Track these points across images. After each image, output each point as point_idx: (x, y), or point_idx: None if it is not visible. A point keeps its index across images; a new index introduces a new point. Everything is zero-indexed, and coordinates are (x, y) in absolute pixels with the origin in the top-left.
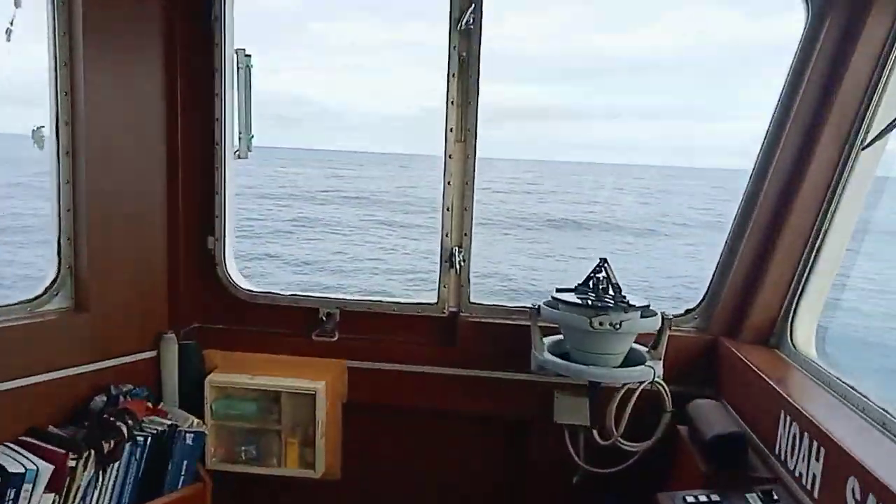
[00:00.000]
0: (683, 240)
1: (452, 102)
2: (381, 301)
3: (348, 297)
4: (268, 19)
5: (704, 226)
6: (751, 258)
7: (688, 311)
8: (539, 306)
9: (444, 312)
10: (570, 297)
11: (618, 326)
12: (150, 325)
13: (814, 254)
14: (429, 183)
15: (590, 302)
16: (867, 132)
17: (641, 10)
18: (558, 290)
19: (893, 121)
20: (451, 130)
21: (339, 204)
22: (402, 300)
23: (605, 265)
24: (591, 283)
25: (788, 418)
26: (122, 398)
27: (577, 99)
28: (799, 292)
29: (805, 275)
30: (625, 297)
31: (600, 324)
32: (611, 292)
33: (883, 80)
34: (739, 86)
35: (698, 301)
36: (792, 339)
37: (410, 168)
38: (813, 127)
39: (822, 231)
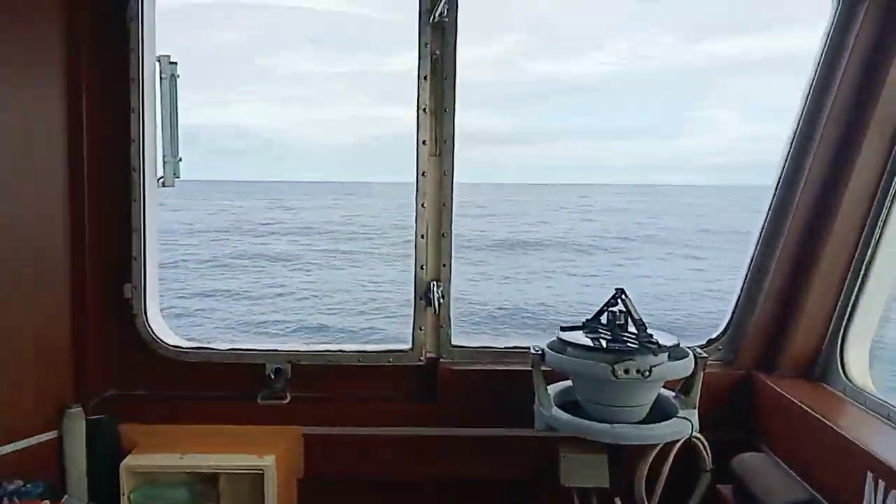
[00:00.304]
0: (624, 254)
1: (425, 110)
2: (341, 351)
3: (301, 348)
4: (214, 55)
5: (644, 239)
6: (785, 278)
7: (710, 342)
8: (543, 350)
9: (420, 360)
10: (580, 338)
11: (647, 374)
12: (49, 399)
13: (863, 269)
14: (367, 211)
15: (605, 343)
16: None
17: (584, 38)
18: (563, 329)
19: None
20: (424, 143)
21: (281, 234)
22: (368, 349)
23: (623, 296)
24: (603, 318)
25: (882, 483)
26: (6, 501)
27: (521, 123)
28: (847, 315)
29: (853, 294)
30: (650, 335)
31: (625, 371)
32: (631, 329)
33: None
34: (682, 106)
35: (721, 329)
36: (844, 371)
37: (357, 196)
38: (852, 128)
39: (872, 242)
